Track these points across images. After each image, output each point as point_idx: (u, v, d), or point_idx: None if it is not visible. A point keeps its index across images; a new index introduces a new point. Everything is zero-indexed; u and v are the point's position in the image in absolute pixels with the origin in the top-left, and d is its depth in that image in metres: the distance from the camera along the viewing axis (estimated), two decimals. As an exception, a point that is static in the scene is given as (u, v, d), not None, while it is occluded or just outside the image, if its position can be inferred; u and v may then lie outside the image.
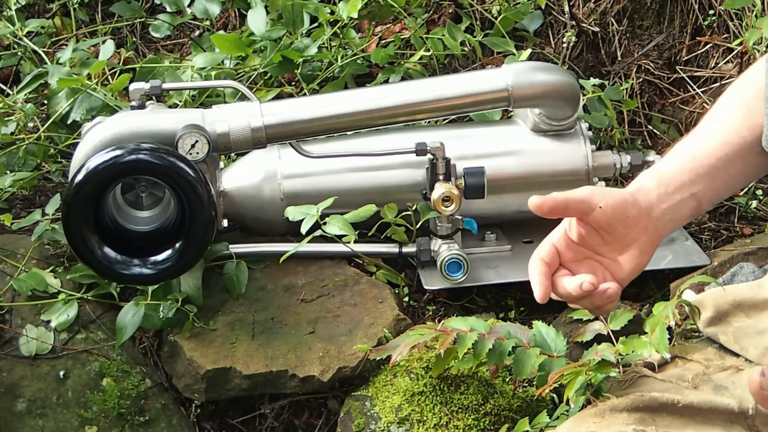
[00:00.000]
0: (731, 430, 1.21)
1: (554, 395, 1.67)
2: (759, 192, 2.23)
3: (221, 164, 1.99)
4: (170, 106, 2.12)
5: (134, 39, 2.60)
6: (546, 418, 1.59)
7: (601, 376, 1.33)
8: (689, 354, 1.33)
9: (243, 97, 1.95)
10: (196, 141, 1.78)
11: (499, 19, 2.39)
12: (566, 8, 2.45)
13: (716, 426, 1.21)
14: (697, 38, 2.47)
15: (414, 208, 1.92)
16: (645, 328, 1.38)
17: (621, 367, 1.37)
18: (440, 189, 1.88)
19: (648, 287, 1.95)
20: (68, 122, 2.14)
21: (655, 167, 1.31)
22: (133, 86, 1.93)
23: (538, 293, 1.21)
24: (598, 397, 1.30)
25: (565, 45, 2.43)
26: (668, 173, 1.29)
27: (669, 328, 1.33)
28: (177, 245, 1.77)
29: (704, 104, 2.40)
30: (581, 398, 1.35)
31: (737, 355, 1.31)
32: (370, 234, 1.94)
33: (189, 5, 2.50)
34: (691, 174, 1.29)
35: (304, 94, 2.24)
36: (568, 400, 1.36)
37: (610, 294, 1.22)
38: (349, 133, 1.93)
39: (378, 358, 1.71)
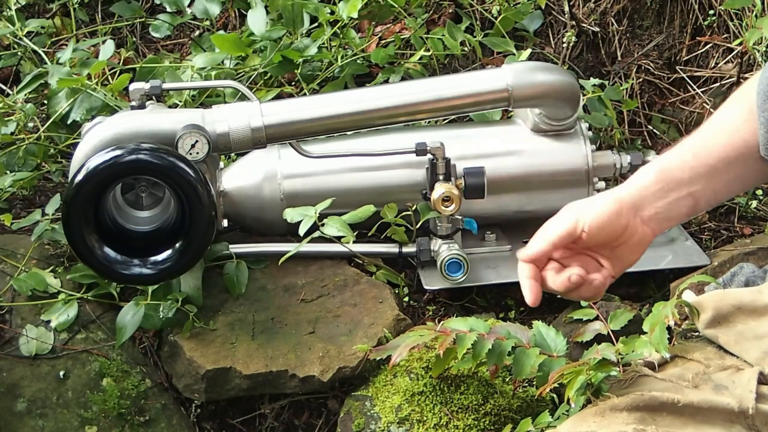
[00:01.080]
0: (731, 430, 1.21)
1: (554, 395, 1.67)
2: (759, 192, 2.23)
3: (221, 164, 1.99)
4: (170, 106, 2.12)
5: (134, 39, 2.60)
6: (548, 417, 1.59)
7: (601, 376, 1.33)
8: (689, 353, 1.33)
9: (243, 97, 1.95)
10: (196, 141, 1.78)
11: (499, 19, 2.39)
12: (566, 8, 2.45)
13: (716, 425, 1.21)
14: (697, 38, 2.47)
15: (414, 208, 1.92)
16: (644, 327, 1.38)
17: (621, 366, 1.37)
18: (440, 189, 1.88)
19: (648, 287, 1.95)
20: (68, 122, 2.14)
21: (657, 162, 1.31)
22: (133, 86, 1.93)
23: (529, 298, 1.26)
24: (598, 397, 1.30)
25: (565, 45, 2.43)
26: (668, 168, 1.29)
27: (669, 328, 1.33)
28: (177, 245, 1.77)
29: (704, 104, 2.41)
30: (582, 398, 1.36)
31: (737, 355, 1.31)
32: (370, 234, 1.94)
33: (189, 5, 2.50)
34: (692, 172, 1.29)
35: (304, 94, 2.24)
36: (568, 400, 1.36)
37: (597, 285, 1.26)
38: (349, 133, 1.93)
39: (378, 358, 1.71)
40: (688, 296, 1.41)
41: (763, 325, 1.29)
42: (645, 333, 1.38)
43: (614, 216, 1.26)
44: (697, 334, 1.38)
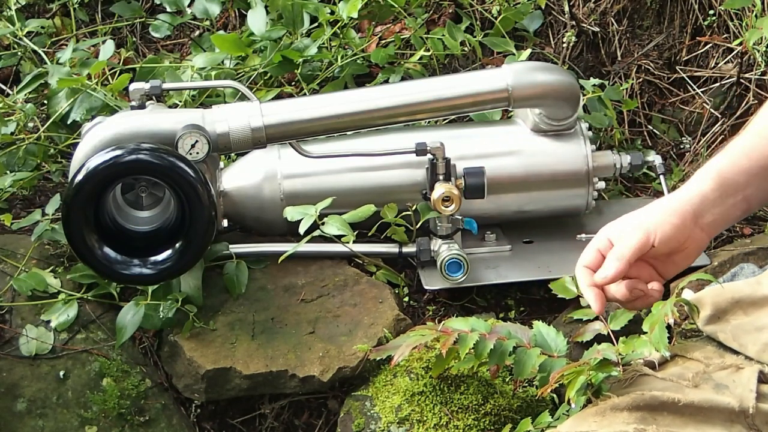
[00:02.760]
0: (732, 429, 1.21)
1: (554, 395, 1.67)
2: (759, 192, 2.22)
3: (221, 164, 1.99)
4: (170, 106, 2.12)
5: (134, 39, 2.60)
6: (548, 417, 1.59)
7: (601, 376, 1.33)
8: (689, 352, 1.33)
9: (243, 97, 1.95)
10: (196, 141, 1.78)
11: (499, 19, 2.39)
12: (566, 8, 2.45)
13: (717, 425, 1.21)
14: (697, 38, 2.47)
15: (414, 208, 1.92)
16: (644, 327, 1.38)
17: (621, 366, 1.37)
18: (440, 189, 1.88)
19: (648, 287, 1.95)
20: (68, 122, 2.14)
21: (712, 166, 1.31)
22: (133, 86, 1.93)
23: (596, 307, 1.27)
24: (598, 397, 1.30)
25: (565, 45, 2.43)
26: (725, 173, 1.29)
27: (668, 327, 1.34)
28: (177, 245, 1.77)
29: (704, 104, 2.41)
30: (582, 398, 1.36)
31: (737, 353, 1.31)
32: (370, 234, 1.94)
33: (189, 5, 2.50)
34: (747, 175, 1.29)
35: (304, 94, 2.24)
36: (569, 400, 1.36)
37: (653, 294, 1.28)
38: (349, 133, 1.93)
39: (378, 358, 1.71)
40: (687, 295, 1.41)
41: (762, 317, 1.30)
42: (645, 333, 1.38)
43: (680, 228, 1.27)
44: (697, 334, 1.38)
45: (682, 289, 1.36)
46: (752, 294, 1.32)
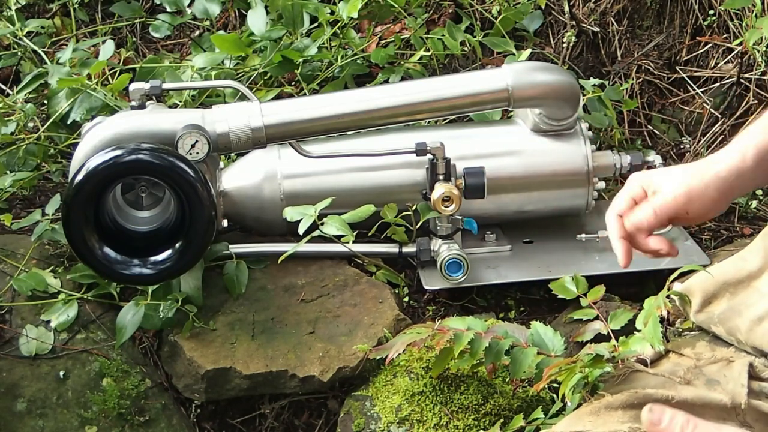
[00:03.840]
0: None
1: (554, 395, 1.67)
2: (759, 192, 2.23)
3: (221, 164, 2.00)
4: (170, 106, 2.12)
5: (134, 39, 2.60)
6: (541, 414, 1.59)
7: (596, 373, 1.34)
8: (680, 348, 1.34)
9: (243, 97, 1.95)
10: (196, 141, 1.78)
11: (499, 19, 2.39)
12: (566, 8, 2.45)
13: (709, 421, 1.21)
14: (697, 38, 2.47)
15: (414, 208, 1.92)
16: (637, 324, 1.38)
17: (617, 362, 1.37)
18: (440, 189, 1.88)
19: (648, 287, 1.95)
20: (68, 122, 2.14)
21: (751, 139, 1.30)
22: (133, 86, 1.93)
23: (623, 260, 1.29)
24: (593, 395, 1.30)
25: (565, 45, 2.44)
26: (763, 146, 1.29)
27: (662, 321, 1.34)
28: (177, 245, 1.77)
29: (704, 104, 2.41)
30: (577, 396, 1.36)
31: (728, 344, 1.32)
32: (370, 234, 1.94)
33: (189, 5, 2.50)
34: None
35: (304, 94, 2.24)
36: (563, 398, 1.36)
37: (678, 250, 1.32)
38: (349, 133, 1.93)
39: (378, 358, 1.71)
40: (677, 287, 1.42)
41: (748, 296, 1.30)
42: (640, 331, 1.38)
43: (716, 203, 1.29)
44: (691, 332, 1.39)
45: (672, 281, 1.36)
46: (737, 273, 1.33)
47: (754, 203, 2.19)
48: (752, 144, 1.29)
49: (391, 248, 1.96)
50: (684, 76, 2.45)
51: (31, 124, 2.21)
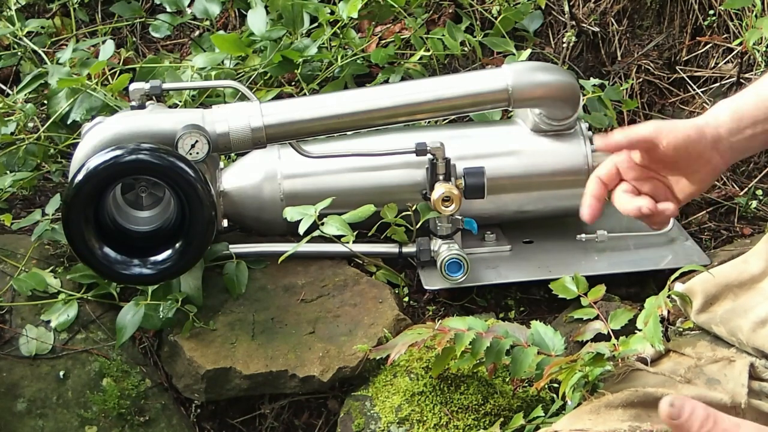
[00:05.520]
0: None
1: (554, 395, 1.67)
2: (759, 192, 2.23)
3: (221, 164, 2.00)
4: (170, 106, 2.12)
5: (134, 39, 2.60)
6: (540, 412, 1.59)
7: (597, 372, 1.34)
8: (681, 348, 1.34)
9: (243, 97, 1.95)
10: (196, 141, 1.78)
11: (499, 19, 2.39)
12: (566, 8, 2.45)
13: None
14: (697, 38, 2.47)
15: (414, 208, 1.92)
16: (638, 324, 1.38)
17: (617, 360, 1.37)
18: (440, 189, 1.88)
19: (648, 287, 1.95)
20: (68, 122, 2.14)
21: (732, 99, 1.31)
22: (133, 86, 1.93)
23: (586, 215, 1.27)
24: (593, 394, 1.31)
25: (565, 45, 2.44)
26: (744, 107, 1.29)
27: (662, 320, 1.34)
28: (177, 245, 1.77)
29: (704, 104, 2.41)
30: (577, 394, 1.36)
31: (729, 345, 1.31)
32: (370, 234, 1.94)
33: (189, 5, 2.50)
34: (765, 109, 1.29)
35: (304, 94, 2.24)
36: (563, 396, 1.36)
37: (668, 215, 1.28)
38: (349, 133, 1.93)
39: (378, 358, 1.71)
40: (678, 287, 1.42)
41: (750, 299, 1.30)
42: (641, 330, 1.39)
43: (693, 140, 1.27)
44: (691, 332, 1.39)
45: (673, 281, 1.36)
46: (739, 276, 1.33)
47: (754, 203, 2.19)
48: (724, 103, 1.31)
49: (391, 248, 1.96)
50: (684, 76, 2.45)
51: (31, 124, 2.21)
